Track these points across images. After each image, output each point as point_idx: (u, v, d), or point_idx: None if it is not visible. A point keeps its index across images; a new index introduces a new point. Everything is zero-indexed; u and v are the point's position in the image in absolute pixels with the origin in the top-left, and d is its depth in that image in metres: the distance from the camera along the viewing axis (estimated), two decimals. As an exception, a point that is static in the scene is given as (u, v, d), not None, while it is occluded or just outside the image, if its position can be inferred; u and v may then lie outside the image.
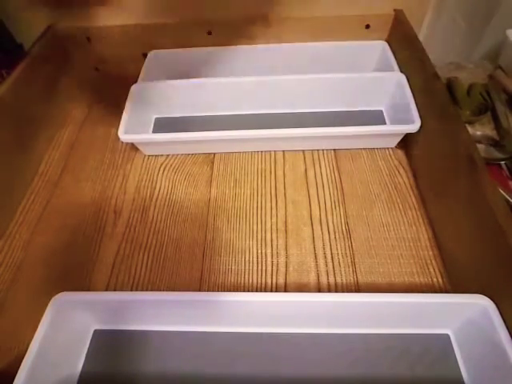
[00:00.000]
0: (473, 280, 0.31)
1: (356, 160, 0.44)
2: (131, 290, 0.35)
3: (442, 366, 0.29)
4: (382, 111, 0.47)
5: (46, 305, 0.29)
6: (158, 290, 0.35)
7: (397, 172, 0.42)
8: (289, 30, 0.49)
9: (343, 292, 0.34)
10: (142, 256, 0.37)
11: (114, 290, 0.35)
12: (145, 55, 0.50)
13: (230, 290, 0.34)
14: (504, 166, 0.43)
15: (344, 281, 0.34)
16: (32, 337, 0.27)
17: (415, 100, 0.40)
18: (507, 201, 0.37)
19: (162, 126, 0.48)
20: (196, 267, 0.36)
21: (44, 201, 0.42)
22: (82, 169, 0.45)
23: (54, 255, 0.38)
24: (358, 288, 0.34)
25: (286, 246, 0.37)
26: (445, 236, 0.36)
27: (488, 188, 0.30)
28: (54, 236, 0.39)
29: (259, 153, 0.45)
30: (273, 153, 0.45)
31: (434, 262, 0.35)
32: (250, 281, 0.35)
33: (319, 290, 0.34)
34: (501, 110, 0.47)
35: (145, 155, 0.46)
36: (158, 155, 0.46)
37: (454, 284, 0.33)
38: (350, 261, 0.36)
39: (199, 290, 0.34)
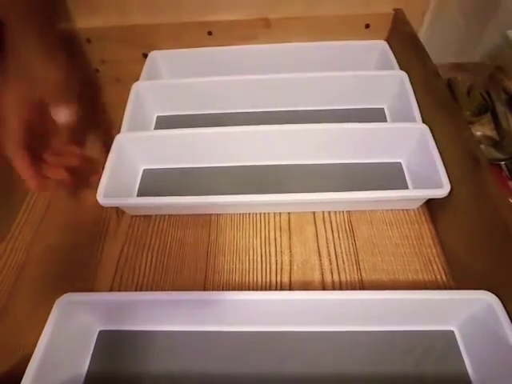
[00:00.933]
0: (476, 277, 0.31)
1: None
2: (135, 291, 0.35)
3: (448, 362, 0.30)
4: (383, 109, 0.47)
5: (50, 306, 0.28)
6: (163, 289, 0.35)
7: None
8: (289, 30, 0.49)
9: (348, 290, 0.34)
10: (145, 256, 0.37)
11: (119, 291, 0.35)
12: (145, 55, 0.50)
13: (234, 289, 0.34)
14: (504, 167, 0.43)
15: (348, 279, 0.35)
16: (36, 338, 0.27)
17: (416, 98, 0.41)
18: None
19: (164, 124, 0.48)
20: (200, 266, 0.36)
21: (46, 201, 0.42)
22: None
23: (57, 256, 0.37)
24: (362, 286, 0.34)
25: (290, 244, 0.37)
26: (447, 233, 0.36)
27: (492, 185, 0.30)
28: (57, 237, 0.39)
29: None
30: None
31: (437, 259, 0.35)
32: (255, 279, 0.35)
33: (324, 288, 0.34)
34: (501, 111, 0.47)
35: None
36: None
37: (458, 281, 0.34)
38: (353, 259, 0.36)
39: (204, 290, 0.35)
